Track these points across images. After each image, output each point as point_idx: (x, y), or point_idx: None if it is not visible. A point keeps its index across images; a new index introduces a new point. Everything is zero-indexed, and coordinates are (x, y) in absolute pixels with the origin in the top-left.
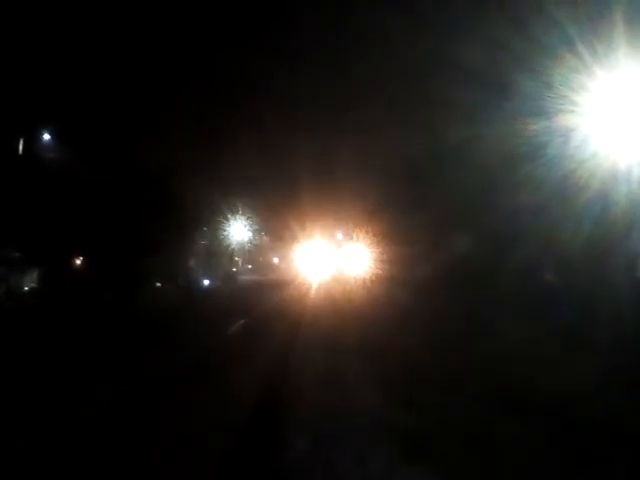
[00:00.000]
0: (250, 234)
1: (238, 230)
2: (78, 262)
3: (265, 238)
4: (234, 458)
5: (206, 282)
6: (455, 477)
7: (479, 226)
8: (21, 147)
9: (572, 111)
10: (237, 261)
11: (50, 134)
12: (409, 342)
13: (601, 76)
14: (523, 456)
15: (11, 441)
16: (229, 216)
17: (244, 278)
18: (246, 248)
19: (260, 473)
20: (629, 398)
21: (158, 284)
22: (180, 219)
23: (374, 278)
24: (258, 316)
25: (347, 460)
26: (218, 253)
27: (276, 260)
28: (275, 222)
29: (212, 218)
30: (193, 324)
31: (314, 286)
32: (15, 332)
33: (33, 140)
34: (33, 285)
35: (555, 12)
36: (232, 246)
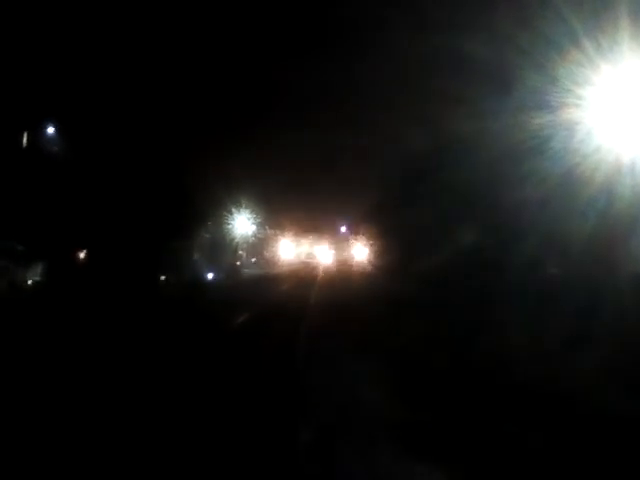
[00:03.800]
0: (254, 227)
1: (242, 223)
2: (82, 256)
3: (269, 232)
4: None
5: (210, 275)
6: None
7: (483, 220)
8: (25, 140)
9: (576, 105)
10: (241, 254)
11: (54, 127)
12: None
13: (605, 70)
14: None
15: None
16: (233, 210)
17: (248, 272)
18: (250, 241)
19: None
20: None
21: (162, 277)
22: (185, 213)
23: (378, 271)
24: (265, 307)
25: None
26: (222, 247)
27: (280, 253)
28: (279, 216)
29: (216, 212)
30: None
31: (317, 280)
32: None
33: (37, 133)
34: (37, 279)
35: (560, 6)
36: (236, 239)
